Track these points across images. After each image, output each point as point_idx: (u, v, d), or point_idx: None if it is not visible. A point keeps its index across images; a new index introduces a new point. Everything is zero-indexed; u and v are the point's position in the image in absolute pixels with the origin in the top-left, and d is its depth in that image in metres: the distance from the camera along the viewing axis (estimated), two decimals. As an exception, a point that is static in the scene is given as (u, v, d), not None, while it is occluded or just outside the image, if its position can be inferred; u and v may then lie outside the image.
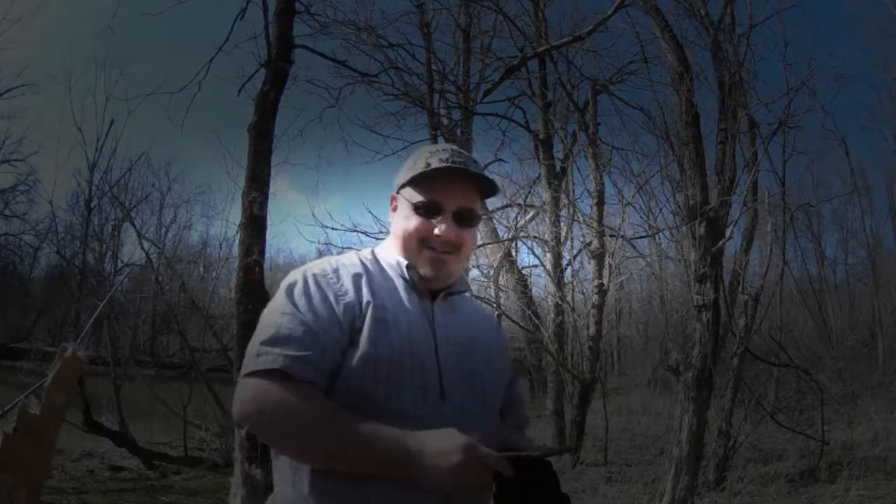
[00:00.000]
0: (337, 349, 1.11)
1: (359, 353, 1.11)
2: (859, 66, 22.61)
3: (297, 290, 1.16)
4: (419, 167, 1.24)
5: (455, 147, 1.30)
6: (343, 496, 1.06)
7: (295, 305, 1.14)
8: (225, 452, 7.34)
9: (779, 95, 7.31)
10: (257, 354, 1.09)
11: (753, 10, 7.52)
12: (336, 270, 1.21)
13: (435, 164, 1.22)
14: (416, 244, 1.24)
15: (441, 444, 1.02)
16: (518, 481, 1.03)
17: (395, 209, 1.32)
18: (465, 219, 1.25)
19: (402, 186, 1.28)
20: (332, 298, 1.15)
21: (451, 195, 1.24)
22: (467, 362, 1.21)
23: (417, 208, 1.24)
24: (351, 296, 1.16)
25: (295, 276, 1.21)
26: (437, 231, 1.22)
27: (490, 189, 1.30)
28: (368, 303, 1.16)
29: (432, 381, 1.14)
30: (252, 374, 1.08)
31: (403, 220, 1.26)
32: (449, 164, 1.22)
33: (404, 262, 1.25)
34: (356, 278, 1.20)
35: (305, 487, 1.09)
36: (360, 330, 1.13)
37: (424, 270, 1.23)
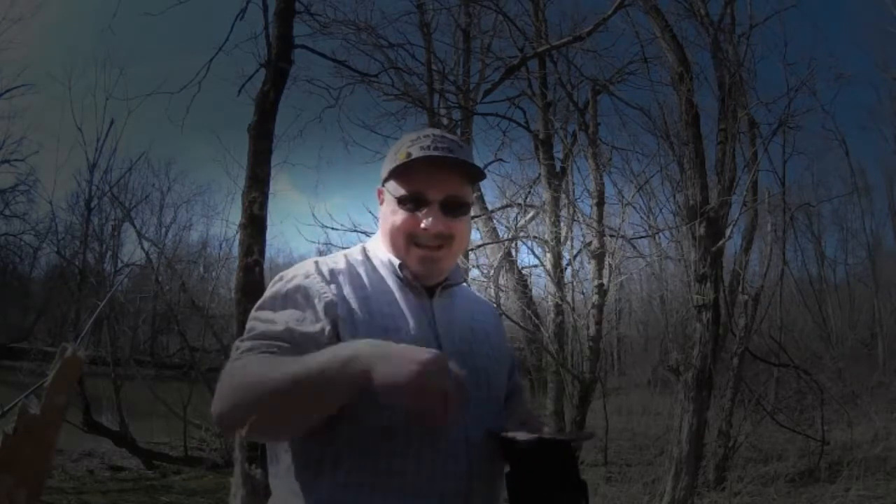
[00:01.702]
0: (314, 344, 1.05)
1: None
2: (859, 66, 22.65)
3: (279, 297, 1.13)
4: (399, 158, 1.16)
5: (438, 131, 1.23)
6: None
7: (277, 314, 1.10)
8: (225, 452, 7.35)
9: (779, 95, 7.33)
10: (234, 349, 1.08)
11: (753, 10, 7.54)
12: (319, 270, 1.15)
13: (416, 152, 1.15)
14: (404, 240, 1.17)
15: (380, 347, 0.96)
16: (536, 463, 1.03)
17: (382, 203, 1.25)
18: (454, 208, 1.17)
19: (386, 179, 1.22)
20: (313, 298, 1.11)
21: (437, 185, 1.15)
22: (471, 359, 1.16)
23: (402, 202, 1.17)
24: (331, 294, 1.12)
25: (276, 281, 1.17)
26: (423, 225, 1.15)
27: (477, 173, 1.22)
28: (353, 306, 1.11)
29: None
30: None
31: (390, 214, 1.19)
32: (430, 153, 1.14)
33: (396, 262, 1.19)
34: (341, 277, 1.15)
35: (316, 495, 1.05)
36: (344, 330, 1.08)
37: (415, 268, 1.18)
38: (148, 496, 6.12)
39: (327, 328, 1.08)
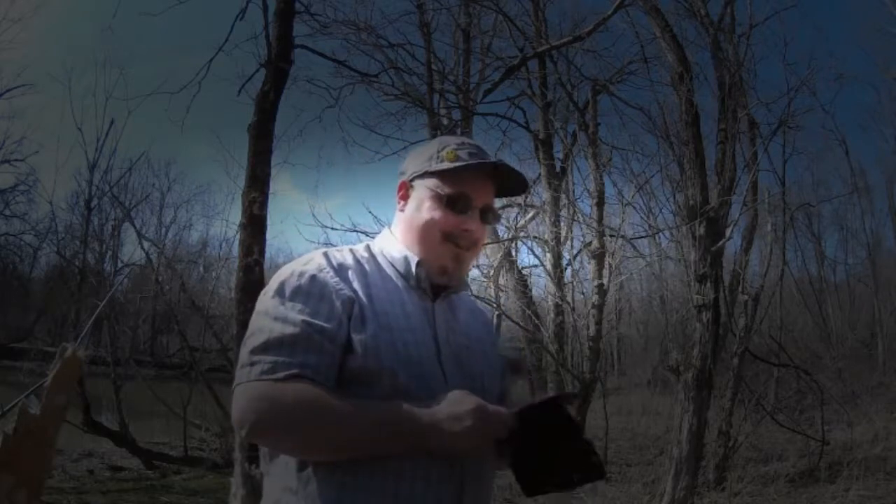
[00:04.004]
0: (337, 347, 1.06)
1: (363, 362, 1.06)
2: (859, 66, 22.71)
3: (290, 289, 1.09)
4: (445, 157, 1.19)
5: (474, 141, 1.27)
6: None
7: (288, 306, 1.08)
8: (225, 452, 7.34)
9: (779, 95, 7.35)
10: (250, 364, 1.05)
11: (753, 10, 7.54)
12: (330, 264, 1.14)
13: (465, 156, 1.19)
14: (441, 237, 1.18)
15: (452, 408, 1.02)
16: (532, 429, 1.04)
17: (405, 198, 1.24)
18: (489, 216, 1.22)
19: (421, 176, 1.21)
20: (330, 293, 1.09)
21: (480, 191, 1.20)
22: (468, 363, 1.17)
23: (449, 201, 1.18)
24: (347, 290, 1.11)
25: (285, 273, 1.13)
26: (465, 226, 1.18)
27: (514, 189, 1.28)
28: (364, 303, 1.10)
29: (439, 388, 1.10)
30: (247, 383, 1.04)
31: (426, 211, 1.19)
32: (485, 159, 1.20)
33: (413, 259, 1.18)
34: (350, 273, 1.14)
35: (314, 493, 1.04)
36: (356, 327, 1.08)
37: (444, 265, 1.18)
38: (148, 496, 6.11)
39: (343, 325, 1.07)
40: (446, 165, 1.18)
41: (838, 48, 22.07)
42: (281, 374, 1.03)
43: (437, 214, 1.18)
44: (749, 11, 7.51)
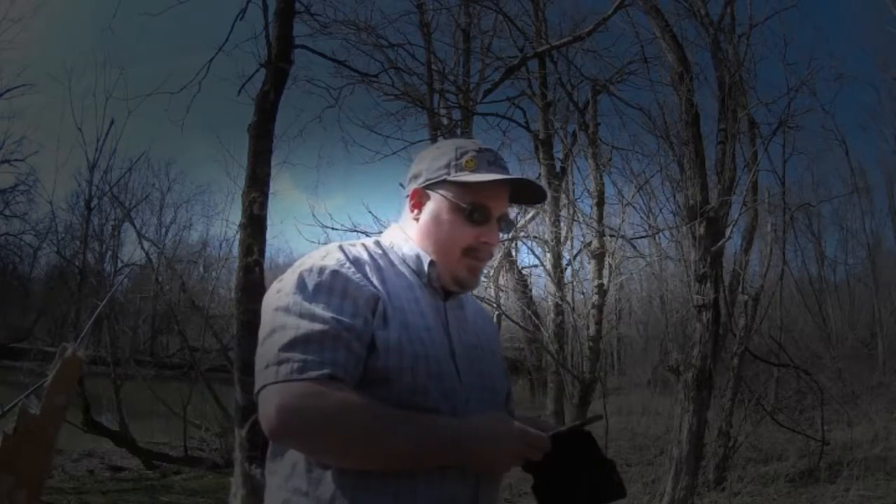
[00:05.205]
0: (363, 345, 1.04)
1: (385, 361, 1.04)
2: (859, 66, 22.71)
3: (312, 285, 1.06)
4: (465, 165, 1.16)
5: (489, 147, 1.24)
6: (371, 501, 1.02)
7: (312, 303, 1.04)
8: (225, 452, 7.34)
9: (779, 95, 7.32)
10: (278, 363, 1.00)
11: (753, 10, 7.53)
12: (350, 259, 1.11)
13: (485, 165, 1.16)
14: (461, 251, 1.16)
15: (492, 430, 1.03)
16: (563, 455, 1.07)
17: (419, 206, 1.20)
18: (504, 224, 1.21)
19: (438, 183, 1.18)
20: (353, 290, 1.06)
21: (499, 200, 1.18)
22: (478, 362, 1.18)
23: (471, 213, 1.15)
24: (370, 287, 1.08)
25: (304, 268, 1.09)
26: (485, 238, 1.16)
27: (529, 198, 1.30)
28: (387, 300, 1.09)
29: (454, 386, 1.10)
30: (276, 383, 1.00)
31: (447, 224, 1.16)
32: (505, 174, 1.17)
33: (426, 257, 1.16)
34: (367, 268, 1.12)
35: (327, 494, 1.02)
36: (379, 325, 1.06)
37: (460, 276, 1.17)
38: (148, 496, 6.12)
39: (369, 322, 1.05)
40: (469, 177, 1.15)
41: (838, 48, 22.02)
42: (313, 374, 0.99)
43: (458, 229, 1.16)
44: (749, 11, 7.51)
